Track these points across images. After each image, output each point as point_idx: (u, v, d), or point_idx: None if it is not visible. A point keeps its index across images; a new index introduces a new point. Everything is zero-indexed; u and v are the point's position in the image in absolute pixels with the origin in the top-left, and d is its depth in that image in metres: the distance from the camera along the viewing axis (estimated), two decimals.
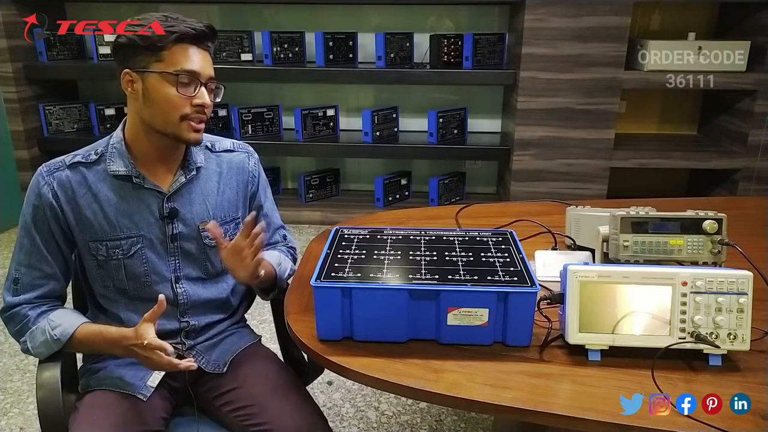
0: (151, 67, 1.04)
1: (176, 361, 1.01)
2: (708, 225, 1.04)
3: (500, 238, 1.14)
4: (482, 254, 1.06)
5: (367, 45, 3.33)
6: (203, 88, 1.07)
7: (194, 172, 1.16)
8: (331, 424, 1.14)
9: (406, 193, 3.60)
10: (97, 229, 1.10)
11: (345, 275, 0.97)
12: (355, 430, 1.81)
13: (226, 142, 1.24)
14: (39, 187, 1.08)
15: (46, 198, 1.08)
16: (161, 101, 1.05)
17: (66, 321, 1.09)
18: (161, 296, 1.03)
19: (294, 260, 1.34)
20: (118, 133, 1.13)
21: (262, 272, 1.12)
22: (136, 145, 1.12)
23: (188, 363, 1.02)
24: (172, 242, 1.14)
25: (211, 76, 1.09)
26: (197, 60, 1.06)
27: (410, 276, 0.97)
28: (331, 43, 3.20)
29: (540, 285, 0.96)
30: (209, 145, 1.22)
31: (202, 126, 1.10)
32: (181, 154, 1.16)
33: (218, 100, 1.13)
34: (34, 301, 1.10)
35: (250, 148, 1.28)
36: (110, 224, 1.10)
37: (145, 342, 1.00)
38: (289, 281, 1.23)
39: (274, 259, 1.23)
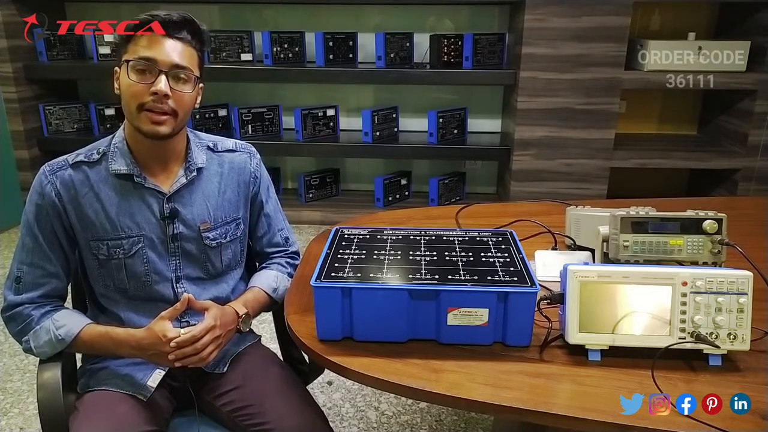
0: (121, 60, 1.06)
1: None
2: (708, 225, 1.04)
3: (500, 238, 1.14)
4: (482, 254, 1.06)
5: (367, 45, 3.33)
6: (162, 76, 1.03)
7: (194, 173, 1.16)
8: (331, 424, 1.14)
9: (406, 193, 3.60)
10: (99, 229, 1.10)
11: (345, 275, 0.97)
12: (355, 430, 1.81)
13: (229, 142, 1.24)
14: (42, 186, 1.09)
15: (49, 197, 1.08)
16: (123, 91, 1.07)
17: (71, 321, 1.09)
18: (186, 295, 1.06)
19: (294, 268, 1.31)
20: (120, 132, 1.14)
21: (246, 329, 1.18)
22: (134, 144, 1.12)
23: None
24: (172, 242, 1.14)
25: (175, 64, 1.05)
26: (160, 48, 1.04)
27: (410, 276, 0.97)
28: (331, 43, 3.20)
29: (540, 285, 0.95)
30: (211, 145, 1.22)
31: (163, 118, 1.05)
32: (180, 154, 1.16)
33: (190, 91, 1.08)
34: (37, 300, 1.10)
35: (253, 149, 1.27)
36: (111, 223, 1.10)
37: (180, 336, 1.02)
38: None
39: (269, 285, 1.24)
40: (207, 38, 1.12)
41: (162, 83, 1.03)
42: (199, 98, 1.14)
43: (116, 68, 1.09)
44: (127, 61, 1.04)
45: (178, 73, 1.06)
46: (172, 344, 1.02)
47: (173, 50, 1.05)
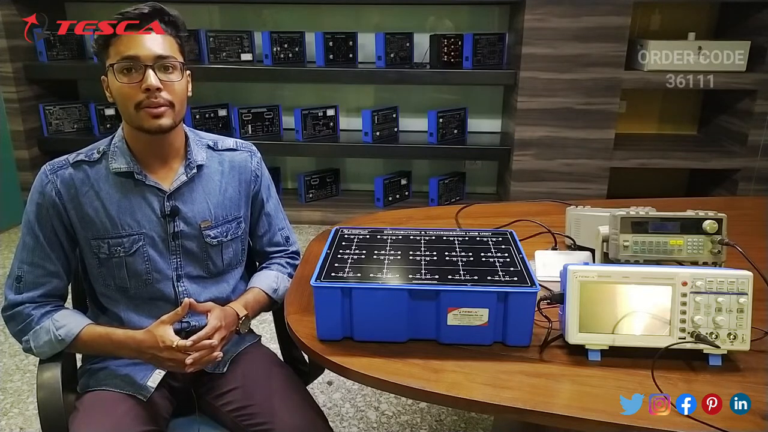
0: (106, 66, 1.07)
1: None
2: (708, 225, 1.04)
3: (500, 238, 1.14)
4: (482, 254, 1.06)
5: (367, 45, 3.33)
6: (149, 71, 1.03)
7: (195, 171, 1.16)
8: (331, 424, 1.14)
9: (406, 193, 3.60)
10: (99, 227, 1.10)
11: (345, 275, 0.97)
12: (355, 430, 1.81)
13: (229, 141, 1.24)
14: (42, 185, 1.09)
15: (50, 196, 1.09)
16: (116, 95, 1.07)
17: (71, 321, 1.09)
18: (187, 300, 1.06)
19: (294, 268, 1.31)
20: (119, 132, 1.14)
21: (245, 330, 1.18)
22: (133, 142, 1.12)
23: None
24: (173, 240, 1.14)
25: (158, 56, 1.04)
26: (139, 44, 1.04)
27: (410, 276, 0.97)
28: (331, 43, 3.20)
29: (540, 285, 0.95)
30: (211, 143, 1.22)
31: (162, 110, 1.05)
32: (180, 151, 1.16)
33: (179, 79, 1.07)
34: (37, 300, 1.11)
35: (253, 147, 1.27)
36: (112, 222, 1.10)
37: (175, 344, 1.02)
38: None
39: (269, 285, 1.24)
40: (181, 23, 1.11)
41: (151, 78, 1.04)
42: (190, 86, 1.14)
43: (103, 77, 1.09)
44: (112, 65, 1.05)
45: (163, 63, 1.06)
46: (188, 360, 1.02)
47: (152, 42, 1.05)
